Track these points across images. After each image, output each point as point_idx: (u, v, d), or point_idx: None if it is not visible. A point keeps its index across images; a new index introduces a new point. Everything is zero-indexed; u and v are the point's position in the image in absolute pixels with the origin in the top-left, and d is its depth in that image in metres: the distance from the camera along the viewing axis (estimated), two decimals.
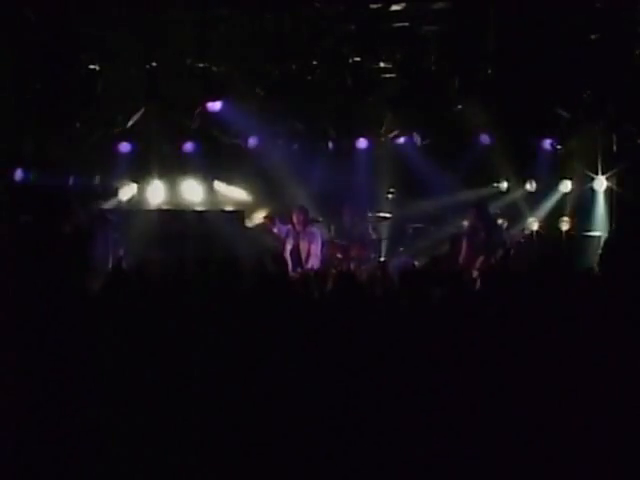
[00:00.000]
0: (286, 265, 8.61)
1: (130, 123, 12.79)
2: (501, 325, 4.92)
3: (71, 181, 12.81)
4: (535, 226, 12.53)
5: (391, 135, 13.43)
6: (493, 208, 12.28)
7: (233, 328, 5.08)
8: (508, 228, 12.33)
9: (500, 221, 12.39)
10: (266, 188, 13.69)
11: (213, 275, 6.54)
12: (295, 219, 11.46)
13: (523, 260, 9.74)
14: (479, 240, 9.87)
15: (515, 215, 12.72)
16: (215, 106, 12.44)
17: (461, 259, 9.77)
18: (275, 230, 11.84)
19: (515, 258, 9.60)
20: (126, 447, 4.59)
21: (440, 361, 4.58)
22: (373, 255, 12.69)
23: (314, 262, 11.22)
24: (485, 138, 12.83)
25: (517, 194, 12.95)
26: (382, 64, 11.76)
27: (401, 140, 13.37)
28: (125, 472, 4.50)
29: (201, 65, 11.73)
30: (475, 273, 9.05)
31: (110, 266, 10.23)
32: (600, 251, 11.14)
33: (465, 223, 13.36)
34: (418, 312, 5.04)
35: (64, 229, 11.58)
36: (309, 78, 11.62)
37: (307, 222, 11.54)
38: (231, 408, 4.66)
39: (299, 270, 10.78)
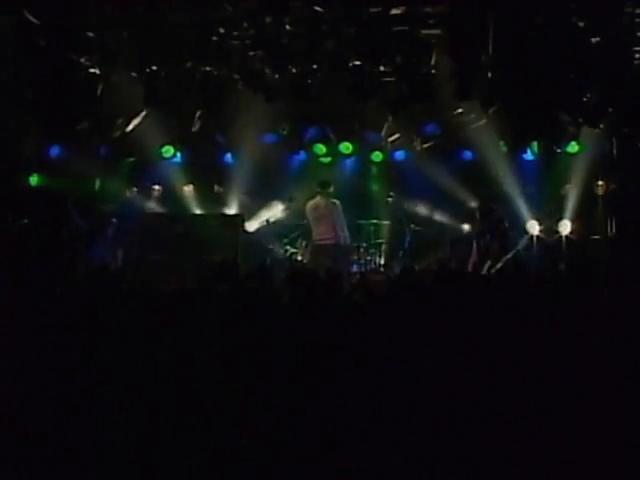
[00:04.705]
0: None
1: (130, 127, 12.80)
2: (497, 330, 4.91)
3: (71, 184, 12.80)
4: (536, 230, 12.55)
5: (391, 138, 13.47)
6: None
7: (231, 329, 5.08)
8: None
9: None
10: (266, 192, 13.72)
11: (211, 277, 6.53)
12: None
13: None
14: (484, 243, 9.45)
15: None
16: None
17: (470, 264, 9.37)
18: None
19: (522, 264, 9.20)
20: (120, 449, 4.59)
21: (444, 363, 4.58)
22: (370, 258, 12.74)
23: None
24: (483, 141, 12.85)
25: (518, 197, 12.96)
26: (382, 68, 11.75)
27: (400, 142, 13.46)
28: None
29: (201, 69, 11.72)
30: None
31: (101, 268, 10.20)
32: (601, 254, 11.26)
33: (466, 226, 13.45)
34: (421, 315, 5.04)
35: (62, 233, 11.59)
36: (309, 82, 11.61)
37: None
38: (231, 409, 4.66)
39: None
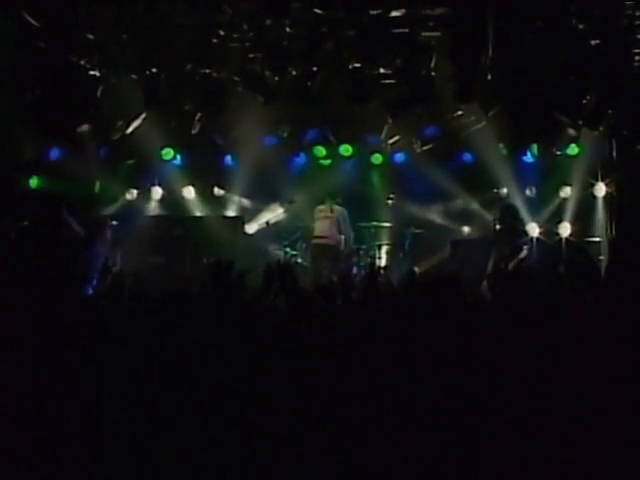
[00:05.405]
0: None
1: (130, 129, 12.80)
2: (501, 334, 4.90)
3: (71, 187, 12.79)
4: (536, 232, 12.53)
5: (391, 141, 13.46)
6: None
7: (229, 332, 5.08)
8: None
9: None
10: (266, 194, 13.72)
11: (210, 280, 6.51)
12: None
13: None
14: (500, 246, 9.34)
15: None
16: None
17: (489, 267, 9.29)
18: None
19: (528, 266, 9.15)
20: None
21: (444, 367, 4.58)
22: (371, 260, 12.75)
23: None
24: (483, 143, 12.85)
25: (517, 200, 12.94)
26: (382, 70, 11.76)
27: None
28: None
29: (201, 71, 11.73)
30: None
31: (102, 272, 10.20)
32: (602, 257, 11.25)
33: (466, 229, 13.48)
34: (421, 317, 5.04)
35: (59, 236, 11.58)
36: (309, 84, 11.61)
37: None
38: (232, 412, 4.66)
39: None
